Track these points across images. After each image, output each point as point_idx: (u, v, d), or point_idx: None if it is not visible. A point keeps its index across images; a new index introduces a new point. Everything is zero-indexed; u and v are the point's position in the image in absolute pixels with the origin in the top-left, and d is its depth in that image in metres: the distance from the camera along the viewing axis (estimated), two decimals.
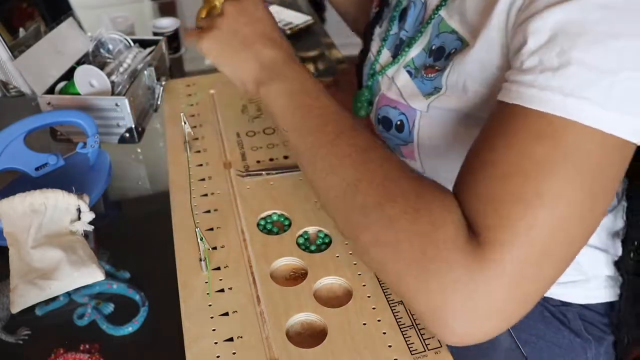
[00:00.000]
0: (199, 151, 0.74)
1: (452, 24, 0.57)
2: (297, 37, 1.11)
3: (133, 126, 0.78)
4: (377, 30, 0.73)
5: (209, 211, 0.65)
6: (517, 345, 0.54)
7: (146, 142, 0.81)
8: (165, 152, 0.75)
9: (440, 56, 0.59)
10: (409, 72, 0.63)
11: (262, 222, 0.63)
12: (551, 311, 0.73)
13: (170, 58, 1.02)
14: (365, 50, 0.74)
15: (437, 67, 0.59)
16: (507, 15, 0.49)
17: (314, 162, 0.52)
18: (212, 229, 0.62)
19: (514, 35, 0.47)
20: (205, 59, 0.64)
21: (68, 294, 0.57)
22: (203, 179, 0.70)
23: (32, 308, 0.56)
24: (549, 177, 0.41)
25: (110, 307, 0.56)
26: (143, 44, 0.90)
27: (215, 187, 0.68)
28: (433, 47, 0.60)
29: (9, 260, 0.58)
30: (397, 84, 0.65)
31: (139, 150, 0.80)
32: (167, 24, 1.05)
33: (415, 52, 0.63)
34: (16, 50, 0.76)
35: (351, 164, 0.50)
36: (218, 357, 0.49)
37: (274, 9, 1.19)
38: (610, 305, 0.73)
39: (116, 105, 0.76)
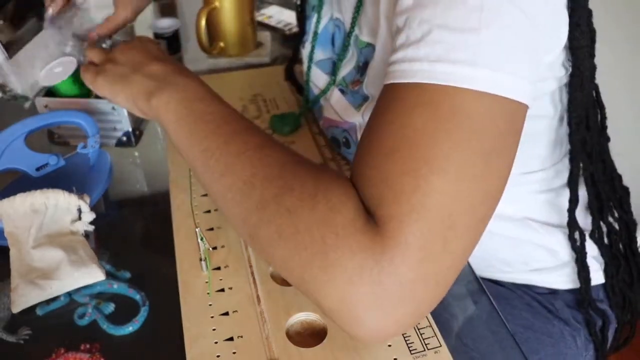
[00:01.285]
0: None
1: (364, 38, 0.61)
2: (297, 38, 1.11)
3: (130, 129, 0.78)
4: (303, 52, 0.76)
5: (209, 211, 0.65)
6: (516, 344, 0.54)
7: (144, 145, 0.81)
8: (165, 154, 0.75)
9: (365, 69, 0.62)
10: (341, 90, 0.67)
11: None
12: (538, 300, 0.73)
13: None
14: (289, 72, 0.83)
15: (360, 80, 0.62)
16: (388, 9, 0.51)
17: (208, 165, 0.50)
18: (212, 229, 0.63)
19: (393, 25, 0.48)
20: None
21: (69, 293, 0.57)
22: None
23: (32, 308, 0.56)
24: (433, 143, 0.40)
25: (110, 307, 0.56)
26: None
27: None
28: (360, 64, 0.63)
29: (10, 260, 0.58)
30: (332, 104, 0.69)
31: (136, 154, 0.79)
32: (167, 24, 1.05)
33: (345, 71, 0.66)
34: (9, 49, 0.76)
35: (247, 160, 0.48)
36: (218, 356, 0.50)
37: (274, 9, 1.19)
38: (596, 288, 0.73)
39: (112, 108, 0.76)
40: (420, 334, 0.51)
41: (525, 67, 0.42)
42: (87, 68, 0.66)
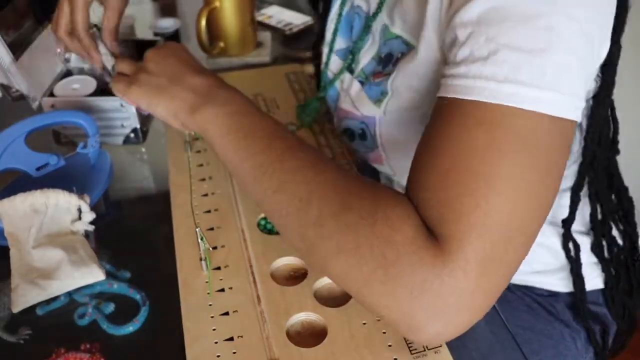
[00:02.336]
0: (199, 151, 0.75)
1: (395, 30, 0.59)
2: (297, 38, 1.11)
3: (138, 126, 0.78)
4: (324, 43, 0.74)
5: (209, 211, 0.65)
6: (516, 345, 0.54)
7: (150, 142, 0.81)
8: (167, 152, 0.75)
9: (389, 62, 0.60)
10: (360, 82, 0.65)
11: (262, 222, 0.64)
12: (539, 302, 0.73)
13: None
14: (318, 65, 0.76)
15: (384, 73, 0.60)
16: (439, 12, 0.49)
17: (260, 181, 0.50)
18: (212, 229, 0.63)
19: (446, 31, 0.47)
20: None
21: (69, 293, 0.57)
22: (203, 179, 0.70)
23: (33, 308, 0.56)
24: (493, 163, 0.41)
25: (110, 307, 0.56)
26: (142, 44, 0.90)
27: (216, 187, 0.69)
28: (382, 55, 0.61)
29: (10, 260, 0.58)
30: (350, 95, 0.66)
31: (143, 150, 0.80)
32: (168, 24, 1.05)
33: (364, 61, 0.64)
34: (14, 51, 0.76)
35: (302, 178, 0.48)
36: (218, 356, 0.50)
37: (274, 9, 1.19)
38: (597, 292, 0.73)
39: (121, 105, 0.76)
40: None
41: (582, 87, 0.43)
42: (118, 79, 0.63)
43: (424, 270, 0.40)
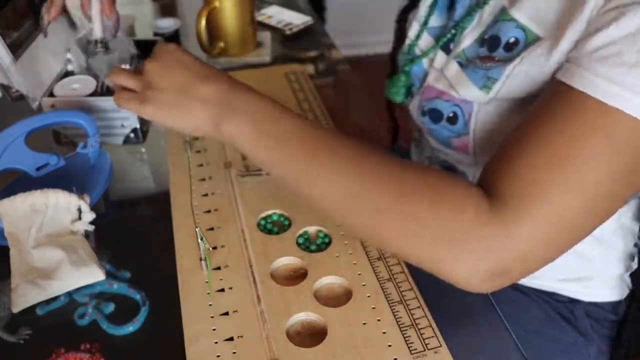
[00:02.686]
0: (199, 151, 0.75)
1: (516, 15, 0.55)
2: (297, 38, 1.11)
3: (138, 126, 0.78)
4: (412, 15, 0.70)
5: (209, 211, 0.65)
6: (516, 345, 0.54)
7: (150, 142, 0.81)
8: (167, 152, 0.75)
9: (495, 46, 0.57)
10: (459, 63, 0.61)
11: (262, 222, 0.64)
12: (557, 308, 0.73)
13: None
14: (401, 37, 0.72)
15: (496, 58, 0.57)
16: (590, 12, 0.48)
17: (304, 183, 0.51)
18: (212, 229, 0.63)
19: (596, 18, 0.47)
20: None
21: (69, 293, 0.57)
22: (203, 179, 0.70)
23: (33, 308, 0.56)
24: (597, 168, 0.43)
25: (110, 307, 0.56)
26: (142, 44, 0.90)
27: (216, 187, 0.69)
28: (486, 37, 0.59)
29: (10, 260, 0.58)
30: (447, 75, 0.62)
31: (143, 150, 0.80)
32: (168, 24, 1.05)
33: (467, 42, 0.61)
34: (14, 51, 0.76)
35: (350, 175, 0.49)
36: (218, 356, 0.50)
37: (274, 9, 1.19)
38: (618, 303, 0.73)
39: None
40: (421, 334, 0.51)
41: None
42: (126, 96, 0.59)
43: (489, 242, 0.45)
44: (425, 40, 0.68)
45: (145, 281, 0.58)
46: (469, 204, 0.46)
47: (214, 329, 0.52)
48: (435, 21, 0.67)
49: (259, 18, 1.13)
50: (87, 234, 0.62)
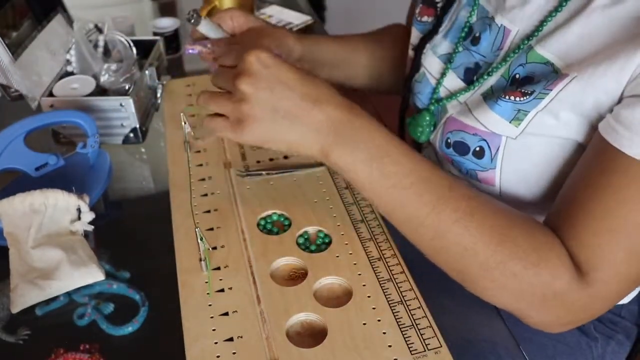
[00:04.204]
0: (199, 151, 0.74)
1: (545, 54, 0.55)
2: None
3: (137, 126, 0.78)
4: (429, 45, 0.69)
5: (209, 211, 0.65)
6: (517, 344, 0.54)
7: (149, 142, 0.81)
8: (167, 152, 0.75)
9: (524, 83, 0.57)
10: (484, 97, 0.61)
11: (262, 222, 0.63)
12: None
13: (170, 58, 1.02)
14: (416, 66, 0.70)
15: (524, 92, 0.56)
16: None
17: (416, 231, 0.52)
18: (212, 229, 0.62)
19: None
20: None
21: (68, 293, 0.57)
22: (203, 179, 0.70)
23: (32, 308, 0.56)
24: None
25: (110, 307, 0.56)
26: (142, 44, 0.90)
27: (216, 187, 0.68)
28: (517, 76, 0.58)
29: (9, 260, 0.58)
30: (473, 110, 0.61)
31: (143, 150, 0.80)
32: (167, 24, 1.05)
33: (494, 79, 0.60)
34: (13, 51, 0.76)
35: (461, 229, 0.50)
36: (218, 357, 0.49)
37: (274, 9, 1.19)
38: (621, 306, 0.73)
39: (120, 105, 0.76)
40: (421, 334, 0.51)
41: None
42: (223, 124, 0.53)
43: (575, 307, 0.50)
44: (452, 79, 0.66)
45: (144, 281, 0.58)
46: (565, 272, 0.49)
47: (213, 329, 0.52)
48: (445, 48, 0.67)
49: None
50: (86, 234, 0.62)
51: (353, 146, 0.51)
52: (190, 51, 0.63)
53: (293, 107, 0.50)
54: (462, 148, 0.62)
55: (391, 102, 0.94)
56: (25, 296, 0.55)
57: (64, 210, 0.60)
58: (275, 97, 0.50)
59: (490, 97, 0.60)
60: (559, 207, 0.53)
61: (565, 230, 0.51)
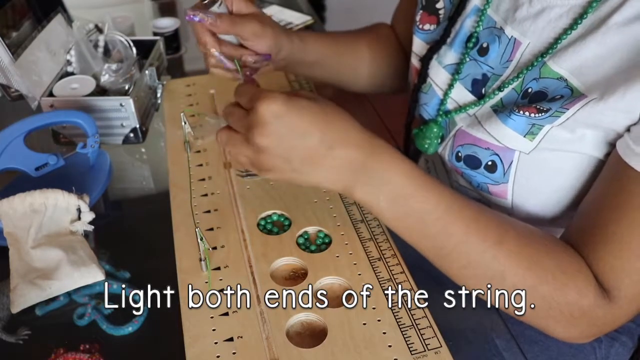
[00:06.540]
0: (199, 151, 0.74)
1: (558, 70, 0.55)
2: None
3: (137, 126, 0.78)
4: (436, 56, 0.68)
5: (209, 211, 0.65)
6: (517, 345, 0.54)
7: (149, 142, 0.81)
8: (167, 152, 0.75)
9: (538, 99, 0.56)
10: (494, 110, 0.60)
11: (262, 222, 0.63)
12: None
13: (170, 58, 1.02)
14: (423, 77, 0.69)
15: (539, 108, 0.55)
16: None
17: (444, 260, 0.53)
18: (212, 229, 0.62)
19: None
20: None
21: (68, 293, 0.57)
22: (203, 179, 0.70)
23: (32, 308, 0.56)
24: None
25: (110, 307, 0.56)
26: (142, 44, 0.90)
27: (216, 187, 0.68)
28: (529, 90, 0.57)
29: (9, 260, 0.58)
30: (483, 123, 0.61)
31: (143, 150, 0.80)
32: (167, 24, 1.05)
33: (505, 93, 0.60)
34: (13, 51, 0.76)
35: (490, 259, 0.51)
36: (218, 357, 0.49)
37: (274, 9, 1.19)
38: None
39: (121, 105, 0.76)
40: (421, 335, 0.51)
41: None
42: (247, 162, 0.53)
43: (599, 322, 0.51)
44: (460, 92, 0.65)
45: (144, 281, 0.58)
46: (590, 290, 0.50)
47: (213, 329, 0.52)
48: (450, 58, 0.66)
49: None
50: (86, 234, 0.62)
51: (375, 187, 0.51)
52: (192, 17, 0.62)
53: (309, 156, 0.50)
54: (473, 162, 0.62)
55: (394, 107, 0.94)
56: (25, 296, 0.55)
57: (64, 210, 0.60)
58: (290, 148, 0.49)
59: (502, 110, 0.59)
60: (578, 226, 0.54)
61: (587, 252, 0.52)
